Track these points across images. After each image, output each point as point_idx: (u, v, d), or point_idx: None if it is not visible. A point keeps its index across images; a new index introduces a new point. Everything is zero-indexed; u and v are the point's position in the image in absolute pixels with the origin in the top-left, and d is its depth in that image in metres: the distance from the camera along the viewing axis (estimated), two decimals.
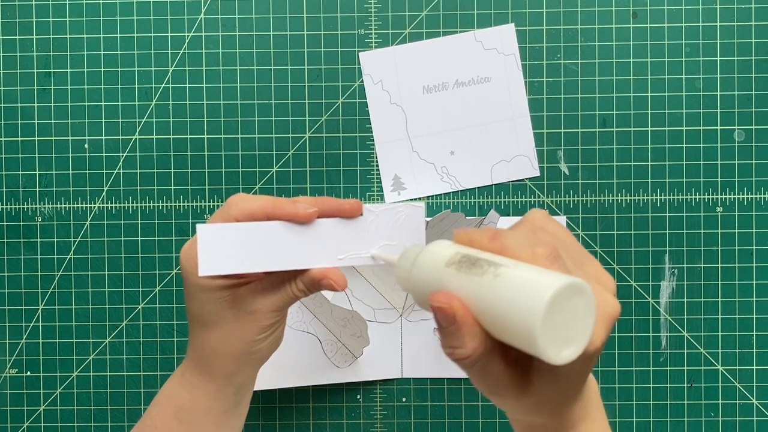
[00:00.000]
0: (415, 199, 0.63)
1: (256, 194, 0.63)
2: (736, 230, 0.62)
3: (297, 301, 0.44)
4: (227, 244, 0.39)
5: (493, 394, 0.34)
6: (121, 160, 0.63)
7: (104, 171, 0.63)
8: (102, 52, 0.63)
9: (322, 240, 0.41)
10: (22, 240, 0.64)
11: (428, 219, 0.58)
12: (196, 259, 0.40)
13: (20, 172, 0.64)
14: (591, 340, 0.31)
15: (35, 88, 0.63)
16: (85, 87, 0.63)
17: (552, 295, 0.28)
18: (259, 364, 0.46)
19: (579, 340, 0.30)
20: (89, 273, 0.63)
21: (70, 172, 0.63)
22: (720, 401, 0.62)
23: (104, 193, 0.63)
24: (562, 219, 0.62)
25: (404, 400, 0.63)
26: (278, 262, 0.40)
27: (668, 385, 0.63)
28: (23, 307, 0.64)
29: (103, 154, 0.63)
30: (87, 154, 0.63)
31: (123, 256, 0.63)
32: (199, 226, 0.38)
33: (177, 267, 0.63)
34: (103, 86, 0.63)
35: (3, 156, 0.64)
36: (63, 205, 0.64)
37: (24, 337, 0.64)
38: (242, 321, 0.42)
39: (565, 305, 0.29)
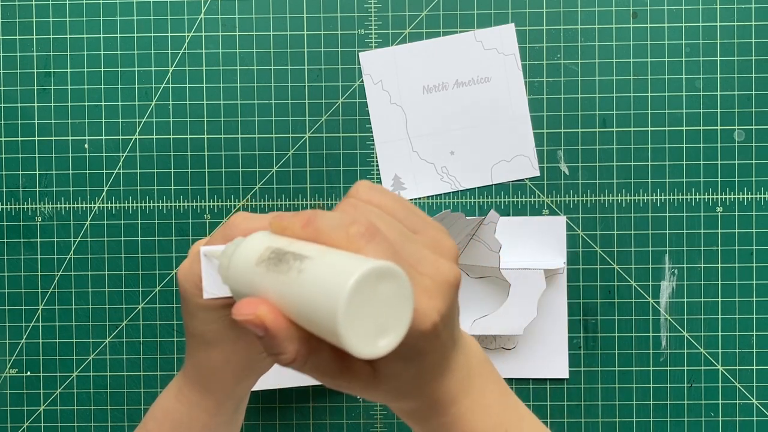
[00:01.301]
0: (416, 200, 0.63)
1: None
2: (736, 230, 0.62)
3: None
4: None
5: (341, 388, 0.31)
6: (121, 160, 0.63)
7: (104, 171, 0.63)
8: (102, 52, 0.63)
9: None
10: (22, 240, 0.64)
11: None
12: (195, 279, 0.38)
13: (20, 172, 0.64)
14: (426, 314, 0.29)
15: (35, 88, 0.63)
16: (85, 87, 0.63)
17: (350, 287, 0.25)
18: (259, 376, 0.45)
19: (397, 326, 0.27)
20: (89, 273, 0.63)
21: (70, 172, 0.63)
22: (720, 401, 0.62)
23: (104, 193, 0.63)
24: (561, 219, 0.62)
25: None
26: None
27: (668, 385, 0.63)
28: (23, 307, 0.64)
29: (103, 154, 0.63)
30: (87, 154, 0.63)
31: (123, 256, 0.63)
32: (201, 248, 0.37)
33: (177, 267, 0.63)
34: (103, 86, 0.63)
35: (3, 156, 0.64)
36: (63, 205, 0.64)
37: (24, 337, 0.64)
38: (245, 339, 0.41)
39: (373, 292, 0.26)
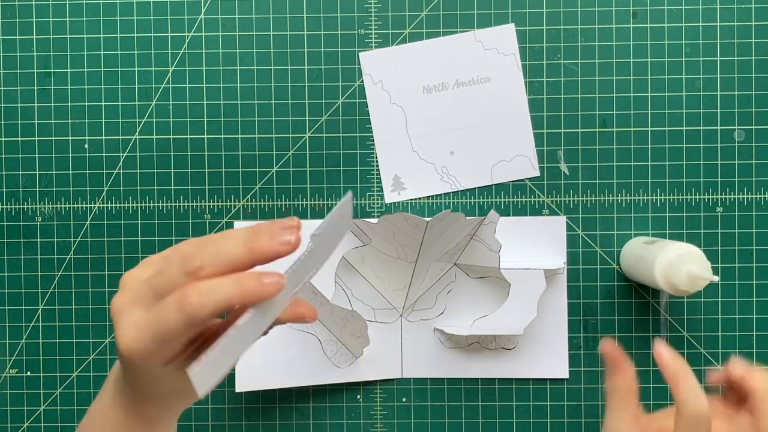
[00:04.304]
0: (416, 200, 0.63)
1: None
2: (736, 230, 0.62)
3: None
4: None
5: None
6: (121, 160, 0.63)
7: (104, 171, 0.63)
8: (102, 52, 0.63)
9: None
10: (22, 240, 0.64)
11: (428, 219, 0.58)
12: (161, 349, 0.34)
13: (20, 172, 0.64)
14: None
15: (35, 88, 0.63)
16: (85, 87, 0.63)
17: None
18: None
19: None
20: (89, 273, 0.63)
21: (70, 172, 0.63)
22: None
23: (104, 193, 0.63)
24: (561, 219, 0.62)
25: (404, 400, 0.63)
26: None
27: (668, 385, 0.63)
28: (23, 307, 0.64)
29: (103, 154, 0.63)
30: (87, 154, 0.63)
31: (123, 256, 0.63)
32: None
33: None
34: (103, 86, 0.63)
35: (3, 156, 0.64)
36: (63, 205, 0.64)
37: (24, 337, 0.64)
38: (182, 394, 0.39)
39: None
